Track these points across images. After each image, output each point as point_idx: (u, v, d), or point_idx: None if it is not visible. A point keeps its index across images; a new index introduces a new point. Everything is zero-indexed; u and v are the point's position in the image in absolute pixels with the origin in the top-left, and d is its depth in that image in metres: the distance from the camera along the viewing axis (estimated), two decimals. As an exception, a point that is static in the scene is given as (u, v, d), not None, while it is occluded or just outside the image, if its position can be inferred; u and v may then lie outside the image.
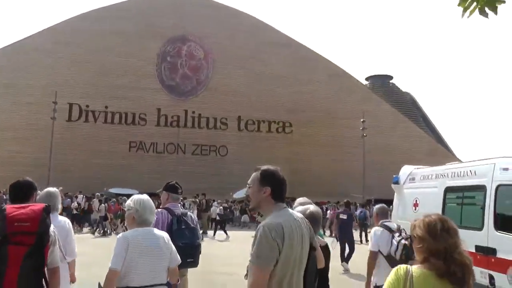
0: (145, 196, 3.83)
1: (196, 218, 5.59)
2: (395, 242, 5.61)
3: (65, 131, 39.51)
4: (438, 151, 44.47)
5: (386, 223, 5.96)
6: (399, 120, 47.25)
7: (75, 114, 41.32)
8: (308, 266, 2.88)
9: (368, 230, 22.41)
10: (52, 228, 3.24)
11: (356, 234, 19.78)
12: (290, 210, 2.94)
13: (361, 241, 21.14)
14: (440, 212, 7.59)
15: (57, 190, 4.90)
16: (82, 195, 25.05)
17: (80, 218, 23.06)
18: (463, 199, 7.33)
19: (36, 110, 38.39)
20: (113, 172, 37.73)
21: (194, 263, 4.95)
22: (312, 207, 4.00)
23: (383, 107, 46.58)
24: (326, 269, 3.81)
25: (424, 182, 8.69)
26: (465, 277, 2.41)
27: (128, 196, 26.32)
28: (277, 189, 2.90)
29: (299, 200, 4.52)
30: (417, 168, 9.42)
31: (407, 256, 5.41)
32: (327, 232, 24.11)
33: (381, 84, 79.05)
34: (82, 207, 23.41)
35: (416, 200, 8.75)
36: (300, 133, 43.55)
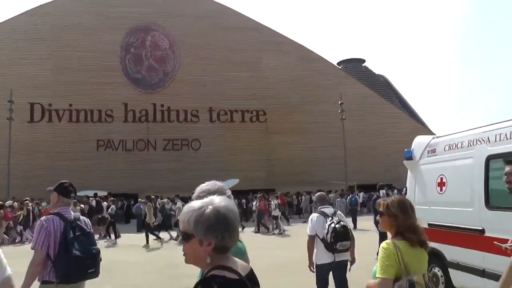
0: None
1: (89, 222, 4.80)
2: (327, 226, 6.23)
3: (27, 133, 37.14)
4: (419, 131, 43.12)
5: (323, 209, 6.56)
6: (377, 102, 45.90)
7: (37, 115, 38.78)
8: None
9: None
10: None
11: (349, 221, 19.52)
12: None
13: (354, 226, 19.76)
14: (483, 189, 5.85)
15: None
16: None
17: None
18: (522, 169, 5.47)
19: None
20: (81, 174, 35.37)
21: (95, 273, 4.45)
22: (217, 201, 1.96)
23: (360, 90, 45.12)
24: None
25: (451, 153, 6.79)
26: (427, 241, 3.22)
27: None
28: None
29: (202, 186, 2.94)
30: (437, 137, 7.58)
31: (335, 239, 6.11)
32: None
33: (354, 68, 77.63)
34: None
35: (442, 178, 6.89)
36: (275, 120, 41.82)
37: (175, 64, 41.33)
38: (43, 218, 4.41)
